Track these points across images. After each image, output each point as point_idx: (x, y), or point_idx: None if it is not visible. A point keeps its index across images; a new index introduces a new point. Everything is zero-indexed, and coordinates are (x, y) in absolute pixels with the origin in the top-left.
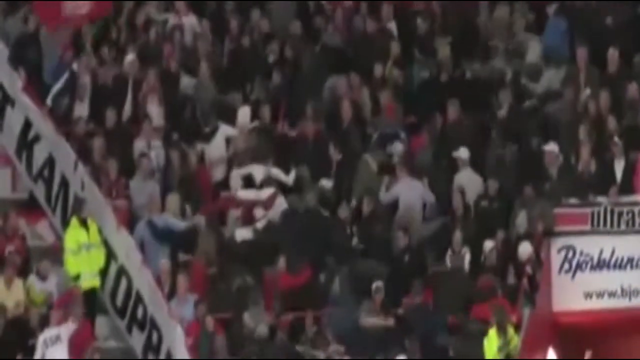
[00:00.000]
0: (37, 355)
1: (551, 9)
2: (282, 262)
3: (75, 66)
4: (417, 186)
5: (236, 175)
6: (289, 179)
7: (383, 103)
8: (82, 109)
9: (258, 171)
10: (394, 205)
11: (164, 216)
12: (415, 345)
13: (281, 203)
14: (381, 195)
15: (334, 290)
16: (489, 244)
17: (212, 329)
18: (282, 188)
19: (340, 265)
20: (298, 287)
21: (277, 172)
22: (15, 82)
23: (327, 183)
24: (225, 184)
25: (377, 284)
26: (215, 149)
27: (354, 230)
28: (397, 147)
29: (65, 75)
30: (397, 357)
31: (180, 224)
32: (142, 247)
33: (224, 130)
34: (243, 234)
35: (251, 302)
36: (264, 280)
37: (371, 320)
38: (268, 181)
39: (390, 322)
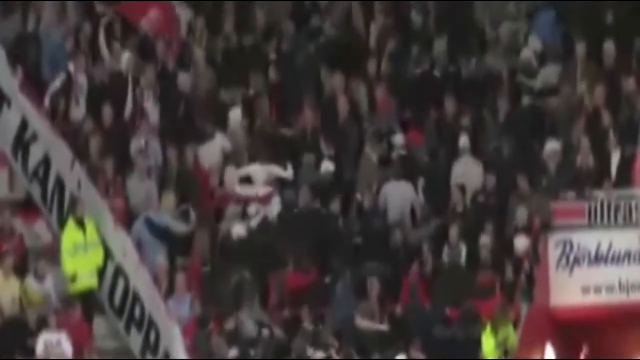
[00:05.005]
0: (38, 356)
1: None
2: (287, 262)
3: (71, 66)
4: (406, 190)
5: (232, 175)
6: (288, 173)
7: (378, 98)
8: (79, 111)
9: (257, 171)
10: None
11: (162, 214)
12: (416, 343)
13: (277, 201)
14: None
15: (337, 290)
16: (484, 239)
17: (210, 328)
18: (281, 184)
19: (340, 265)
20: (303, 287)
21: (276, 170)
22: (12, 82)
23: (328, 166)
24: (221, 183)
25: (372, 280)
26: (210, 154)
27: (354, 226)
28: (398, 140)
29: (62, 76)
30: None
31: (178, 226)
32: (139, 244)
33: (220, 139)
34: (238, 230)
35: (247, 299)
36: (267, 280)
37: (366, 322)
38: (268, 180)
39: (384, 327)
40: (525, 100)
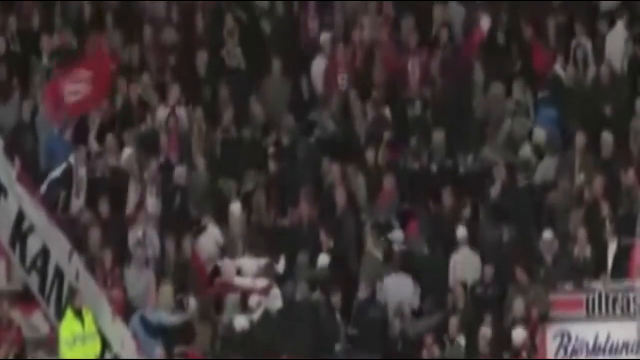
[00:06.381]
0: None
1: (542, 94)
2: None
3: (72, 159)
4: (406, 284)
5: (230, 265)
6: (279, 267)
7: (377, 190)
8: (79, 203)
9: (248, 264)
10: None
11: (157, 312)
12: None
13: (276, 293)
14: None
15: None
16: (484, 331)
17: None
18: (279, 277)
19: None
20: None
21: (267, 263)
22: (9, 172)
23: (324, 260)
24: (218, 273)
25: None
26: (207, 245)
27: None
28: (397, 235)
29: (63, 167)
30: None
31: (173, 319)
32: (136, 339)
33: (212, 231)
34: (242, 322)
35: None
36: None
37: None
38: (260, 273)
39: None
40: (523, 192)
